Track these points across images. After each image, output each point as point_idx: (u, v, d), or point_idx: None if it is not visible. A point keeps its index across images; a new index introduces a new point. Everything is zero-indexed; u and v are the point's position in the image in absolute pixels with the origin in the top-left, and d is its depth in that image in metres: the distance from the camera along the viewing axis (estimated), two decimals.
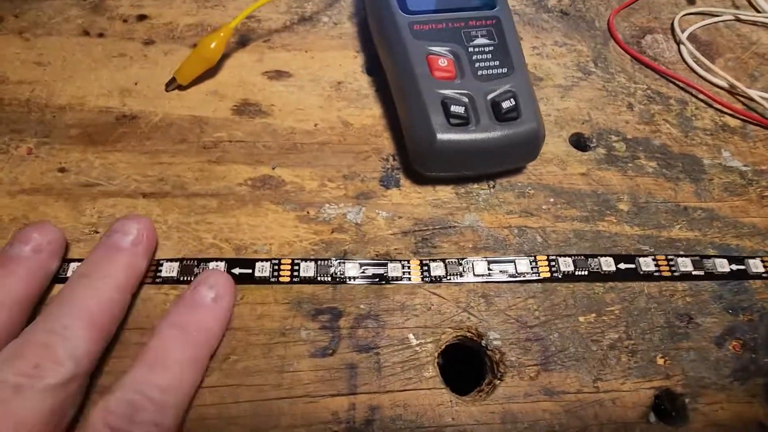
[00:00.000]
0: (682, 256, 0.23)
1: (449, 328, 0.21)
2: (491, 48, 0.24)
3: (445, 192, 0.25)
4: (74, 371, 0.16)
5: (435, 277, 0.21)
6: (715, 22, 0.33)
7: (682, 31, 0.32)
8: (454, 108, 0.22)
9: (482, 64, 0.24)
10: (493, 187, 0.25)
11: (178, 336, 0.18)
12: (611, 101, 0.29)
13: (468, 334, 0.21)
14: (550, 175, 0.26)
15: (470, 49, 0.24)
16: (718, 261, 0.23)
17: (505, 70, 0.24)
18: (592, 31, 0.32)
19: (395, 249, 0.23)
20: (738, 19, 0.33)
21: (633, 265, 0.22)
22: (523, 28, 0.31)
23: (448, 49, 0.24)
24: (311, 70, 0.28)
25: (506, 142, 0.22)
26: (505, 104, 0.22)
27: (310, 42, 0.29)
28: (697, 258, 0.23)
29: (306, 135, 0.26)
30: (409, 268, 0.22)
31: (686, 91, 0.30)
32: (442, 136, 0.22)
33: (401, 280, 0.21)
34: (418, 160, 0.23)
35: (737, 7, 0.34)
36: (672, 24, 0.33)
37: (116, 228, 0.20)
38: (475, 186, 0.25)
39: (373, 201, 0.24)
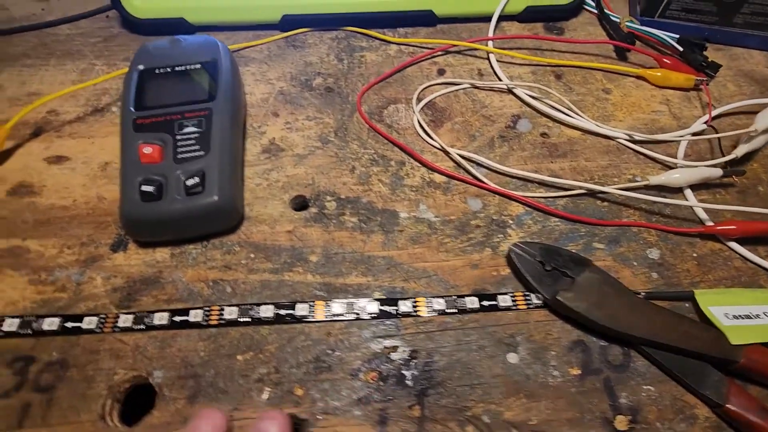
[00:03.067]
0: (338, 301, 0.27)
1: (122, 369, 0.25)
2: (196, 135, 0.30)
3: (162, 253, 0.29)
4: None
5: (123, 327, 0.26)
6: (456, 90, 0.39)
7: (420, 101, 0.37)
8: (144, 187, 0.27)
9: (184, 149, 0.29)
10: (206, 246, 0.30)
11: None
12: (337, 166, 0.34)
13: (139, 374, 0.25)
14: (259, 233, 0.30)
15: (178, 137, 0.30)
16: (369, 304, 0.27)
17: (202, 152, 0.29)
18: (344, 105, 0.37)
19: (102, 303, 0.27)
20: (475, 87, 0.39)
21: (292, 311, 0.27)
22: (283, 106, 0.37)
23: (158, 138, 0.29)
24: (88, 154, 0.34)
25: (191, 213, 0.28)
26: (190, 181, 0.28)
27: (96, 129, 0.35)
28: (352, 302, 0.27)
29: (62, 210, 0.31)
30: (105, 320, 0.26)
31: (407, 154, 0.35)
32: (130, 210, 0.27)
33: (94, 331, 0.26)
34: (125, 230, 0.29)
35: (482, 76, 0.40)
36: (414, 95, 0.38)
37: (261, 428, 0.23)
38: (190, 246, 0.30)
39: (99, 263, 0.29)
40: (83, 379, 0.25)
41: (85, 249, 0.30)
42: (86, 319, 0.26)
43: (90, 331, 0.26)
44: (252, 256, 0.30)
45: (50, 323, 0.26)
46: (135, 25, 0.42)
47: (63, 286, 0.28)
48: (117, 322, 0.26)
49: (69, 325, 0.26)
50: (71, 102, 0.37)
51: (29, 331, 0.26)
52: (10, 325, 0.26)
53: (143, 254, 0.30)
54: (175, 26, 0.42)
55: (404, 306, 0.27)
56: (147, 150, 0.29)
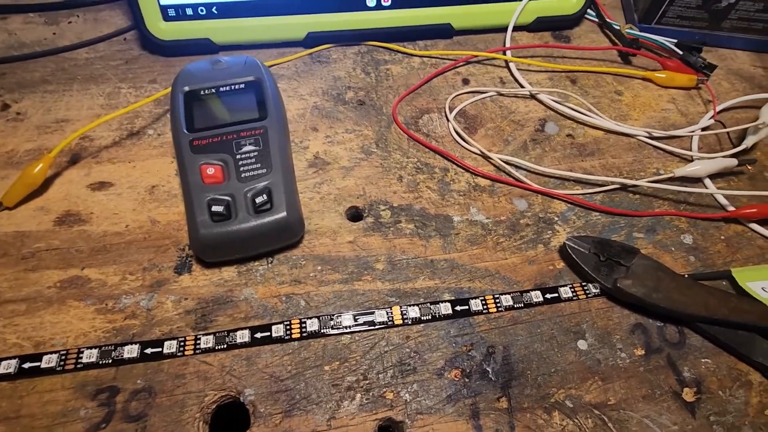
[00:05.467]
0: (412, 305, 0.28)
1: (212, 390, 0.25)
2: (255, 153, 0.30)
3: (228, 272, 0.30)
4: None
5: (205, 348, 0.26)
6: (483, 98, 0.41)
7: (451, 110, 0.39)
8: (215, 207, 0.28)
9: (246, 167, 0.30)
10: (271, 262, 0.30)
11: None
12: (384, 176, 0.35)
13: (229, 394, 0.25)
14: (321, 246, 0.31)
15: (237, 157, 0.30)
16: (443, 305, 0.28)
17: (264, 170, 0.30)
18: (379, 117, 0.39)
19: (177, 327, 0.27)
20: (500, 94, 0.41)
21: (371, 318, 0.28)
22: (321, 121, 0.38)
23: (218, 158, 0.30)
24: (131, 178, 0.34)
25: (262, 230, 0.28)
26: (258, 199, 0.28)
27: (134, 153, 0.35)
28: (426, 305, 0.28)
29: (116, 236, 0.31)
30: (184, 343, 0.26)
31: (449, 160, 0.36)
32: (204, 231, 0.27)
33: (176, 355, 0.26)
34: (195, 251, 0.29)
35: (504, 83, 0.42)
36: (445, 104, 0.40)
37: None
38: (256, 263, 0.30)
39: (166, 287, 0.29)
40: (174, 404, 0.25)
41: (148, 274, 0.29)
42: (166, 343, 0.26)
43: (171, 356, 0.26)
44: (319, 268, 0.30)
45: (130, 351, 0.26)
46: (157, 47, 0.41)
47: (133, 313, 0.28)
48: (198, 343, 0.26)
49: (149, 351, 0.26)
50: (103, 127, 0.37)
51: (109, 361, 0.25)
52: (89, 356, 0.25)
53: (209, 274, 0.29)
54: (200, 47, 0.42)
55: (475, 305, 0.29)
56: (210, 171, 0.29)
